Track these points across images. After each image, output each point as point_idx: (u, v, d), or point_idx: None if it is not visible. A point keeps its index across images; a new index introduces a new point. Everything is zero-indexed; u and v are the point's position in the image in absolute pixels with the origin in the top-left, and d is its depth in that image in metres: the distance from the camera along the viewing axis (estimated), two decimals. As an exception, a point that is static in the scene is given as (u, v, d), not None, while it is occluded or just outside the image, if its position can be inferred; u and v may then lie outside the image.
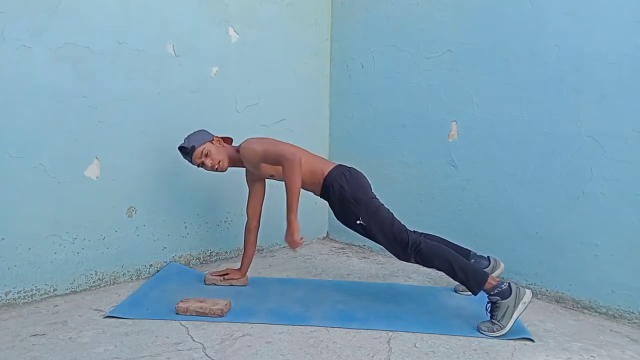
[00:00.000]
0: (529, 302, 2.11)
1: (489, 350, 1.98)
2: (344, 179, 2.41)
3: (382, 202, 2.44)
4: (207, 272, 2.80)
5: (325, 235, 3.72)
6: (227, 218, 3.13)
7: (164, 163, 2.81)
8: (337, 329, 2.15)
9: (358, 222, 2.37)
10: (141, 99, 2.70)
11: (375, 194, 2.47)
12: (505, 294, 2.09)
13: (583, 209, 2.41)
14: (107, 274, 2.66)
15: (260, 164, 2.46)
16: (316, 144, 3.57)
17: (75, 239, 2.53)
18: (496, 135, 2.72)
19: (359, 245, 3.45)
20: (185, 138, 2.51)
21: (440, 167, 2.99)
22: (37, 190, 2.39)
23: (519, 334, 2.09)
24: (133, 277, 2.75)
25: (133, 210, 2.73)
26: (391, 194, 3.24)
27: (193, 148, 2.45)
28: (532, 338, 2.08)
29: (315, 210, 3.50)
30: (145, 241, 2.79)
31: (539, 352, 1.99)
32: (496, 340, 2.06)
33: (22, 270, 2.38)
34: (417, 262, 2.30)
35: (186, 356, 1.90)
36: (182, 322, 2.19)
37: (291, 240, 2.34)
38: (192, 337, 2.05)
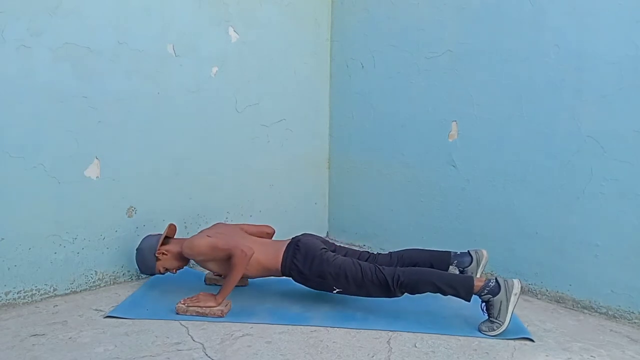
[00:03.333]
0: (520, 292, 2.10)
1: (489, 350, 1.98)
2: (297, 262, 2.32)
3: (342, 252, 2.42)
4: (207, 271, 2.79)
5: (325, 235, 3.71)
6: (227, 218, 3.13)
7: (164, 163, 2.81)
8: (337, 329, 2.16)
9: (334, 291, 2.32)
10: (141, 99, 2.69)
11: (330, 247, 2.44)
12: (495, 290, 2.09)
13: (583, 209, 2.41)
14: (107, 274, 2.65)
15: (207, 261, 2.40)
16: (316, 144, 3.57)
17: (75, 239, 2.53)
18: (496, 135, 2.72)
19: (359, 245, 3.45)
20: (135, 260, 2.52)
21: (440, 167, 2.99)
22: (37, 190, 2.39)
23: (519, 334, 2.10)
24: (133, 277, 2.75)
25: (133, 210, 2.73)
26: (391, 194, 3.26)
27: (152, 274, 2.53)
28: (532, 338, 2.08)
29: (315, 210, 3.50)
30: (145, 241, 2.79)
31: (539, 352, 1.99)
32: (496, 340, 2.06)
33: (22, 270, 2.38)
34: (403, 294, 2.25)
35: (186, 356, 1.90)
36: (182, 322, 2.19)
37: (208, 308, 2.26)
38: (192, 337, 2.05)
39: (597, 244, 2.38)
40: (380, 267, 2.27)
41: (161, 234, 2.51)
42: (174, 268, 2.50)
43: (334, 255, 2.36)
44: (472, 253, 2.44)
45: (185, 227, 2.95)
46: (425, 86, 3.03)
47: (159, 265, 2.47)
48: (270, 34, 3.22)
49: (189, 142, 2.90)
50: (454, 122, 2.91)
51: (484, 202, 2.80)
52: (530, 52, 2.56)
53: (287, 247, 2.40)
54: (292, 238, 2.45)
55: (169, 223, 2.58)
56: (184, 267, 2.56)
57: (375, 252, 2.51)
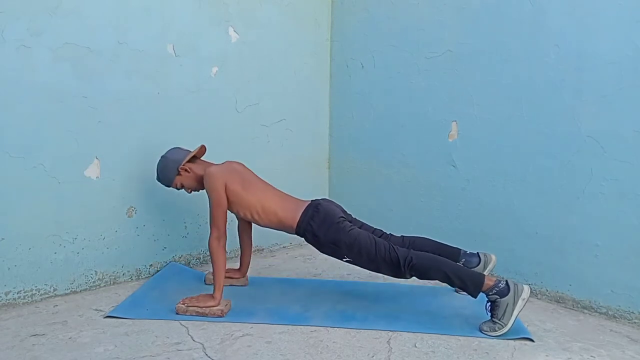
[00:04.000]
0: (528, 298, 2.10)
1: (489, 350, 1.99)
2: (314, 225, 2.32)
3: (357, 224, 2.42)
4: (207, 272, 2.80)
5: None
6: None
7: (164, 163, 2.81)
8: (337, 329, 2.16)
9: (344, 259, 2.33)
10: (141, 99, 2.69)
11: (348, 217, 2.44)
12: (504, 292, 2.08)
13: (583, 209, 2.41)
14: (107, 274, 2.65)
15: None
16: (316, 144, 3.58)
17: (75, 239, 2.53)
18: (496, 135, 2.72)
19: (359, 245, 3.45)
20: (157, 167, 2.50)
21: (440, 167, 2.99)
22: (37, 190, 2.39)
23: (519, 334, 2.09)
24: (133, 277, 2.75)
25: (133, 210, 2.73)
26: (391, 194, 3.26)
27: (168, 186, 2.51)
28: (532, 338, 2.08)
29: (315, 210, 3.50)
30: (145, 241, 2.79)
31: (539, 352, 1.99)
32: (496, 340, 2.06)
33: (22, 270, 2.38)
34: (412, 277, 2.26)
35: (186, 356, 1.90)
36: (182, 322, 2.19)
37: (208, 307, 2.26)
38: (192, 337, 2.05)
39: (597, 244, 2.38)
40: (394, 246, 2.27)
41: (190, 151, 2.49)
42: (190, 188, 2.49)
43: (351, 225, 2.35)
44: (481, 255, 2.44)
45: (185, 227, 2.96)
46: (425, 86, 3.03)
47: (178, 180, 2.46)
48: (270, 34, 3.22)
49: (189, 142, 2.89)
50: (454, 122, 2.91)
51: (484, 202, 2.80)
52: (530, 52, 2.56)
53: (306, 207, 2.39)
54: (313, 200, 2.44)
55: (201, 144, 2.54)
56: (200, 191, 2.52)
57: (388, 232, 2.49)
